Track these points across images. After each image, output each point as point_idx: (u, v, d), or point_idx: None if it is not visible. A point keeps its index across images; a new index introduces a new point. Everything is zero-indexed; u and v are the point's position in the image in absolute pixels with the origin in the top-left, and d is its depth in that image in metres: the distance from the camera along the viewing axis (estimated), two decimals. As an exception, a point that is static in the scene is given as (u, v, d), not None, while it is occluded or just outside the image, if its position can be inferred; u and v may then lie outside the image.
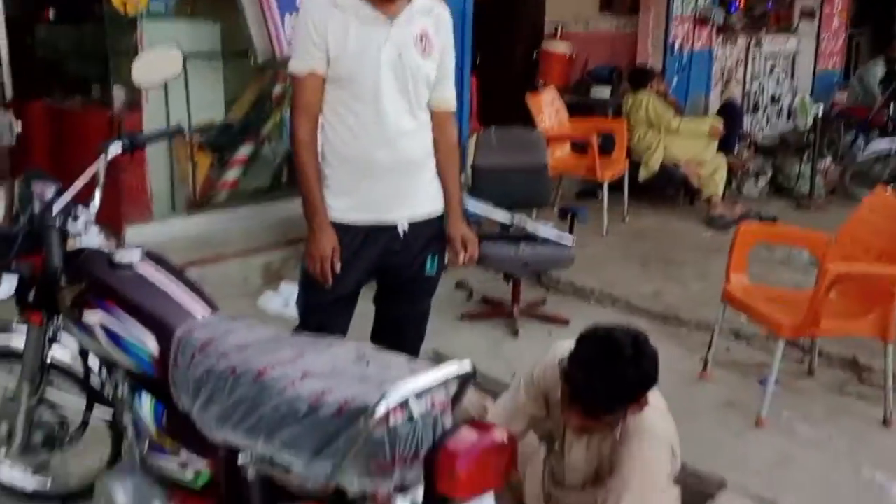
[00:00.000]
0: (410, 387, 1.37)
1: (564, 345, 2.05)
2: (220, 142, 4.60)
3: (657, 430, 1.95)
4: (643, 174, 6.18)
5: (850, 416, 3.35)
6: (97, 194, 2.13)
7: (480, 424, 1.43)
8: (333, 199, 2.52)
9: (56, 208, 1.94)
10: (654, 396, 2.02)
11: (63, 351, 2.25)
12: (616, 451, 1.97)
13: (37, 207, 1.94)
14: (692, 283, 4.69)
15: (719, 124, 6.23)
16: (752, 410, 3.28)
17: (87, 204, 2.08)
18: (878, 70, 8.05)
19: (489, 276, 4.59)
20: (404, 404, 1.39)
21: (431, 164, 2.63)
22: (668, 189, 6.50)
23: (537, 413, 2.10)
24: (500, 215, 4.18)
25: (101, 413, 2.24)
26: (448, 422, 1.45)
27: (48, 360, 2.24)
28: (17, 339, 2.27)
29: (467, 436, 1.38)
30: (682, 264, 5.09)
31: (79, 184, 2.04)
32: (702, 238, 5.69)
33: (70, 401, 2.35)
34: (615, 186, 5.90)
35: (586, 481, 2.12)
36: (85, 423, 2.32)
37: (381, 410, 1.32)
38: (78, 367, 2.22)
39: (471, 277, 4.67)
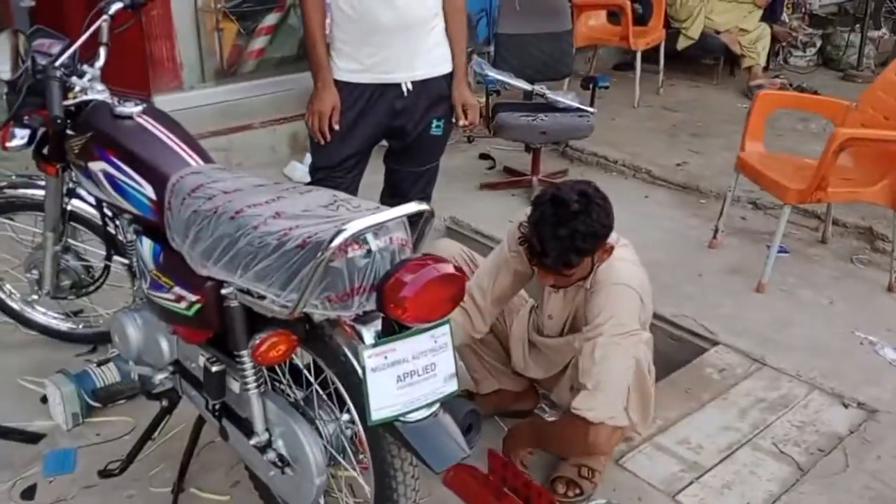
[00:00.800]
0: (364, 222, 1.47)
1: None
2: (245, 10, 4.62)
3: (625, 278, 2.04)
4: (682, 43, 6.01)
5: (855, 282, 3.40)
6: (102, 52, 2.22)
7: (431, 258, 1.53)
8: (340, 59, 2.60)
9: (59, 61, 2.05)
10: (625, 249, 2.10)
11: (81, 202, 2.42)
12: (588, 300, 2.07)
13: (40, 61, 2.05)
14: (719, 155, 4.65)
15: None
16: (757, 276, 3.34)
17: (92, 63, 2.19)
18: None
19: (512, 148, 4.63)
20: (363, 239, 1.50)
21: (437, 25, 2.65)
22: (707, 58, 6.32)
23: (521, 268, 2.19)
24: (521, 84, 4.18)
25: (120, 260, 2.42)
26: (405, 256, 1.56)
27: (68, 210, 2.41)
28: (39, 192, 2.44)
29: (416, 266, 1.49)
30: (712, 136, 5.04)
31: (81, 40, 2.14)
32: (737, 109, 5.58)
33: (92, 249, 2.55)
34: (651, 57, 5.77)
35: (563, 330, 2.25)
36: (107, 269, 2.52)
37: (336, 242, 1.43)
38: (95, 217, 2.38)
39: (495, 148, 4.72)
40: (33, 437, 2.36)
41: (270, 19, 4.73)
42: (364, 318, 1.58)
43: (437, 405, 1.59)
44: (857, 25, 6.69)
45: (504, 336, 2.41)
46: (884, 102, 3.31)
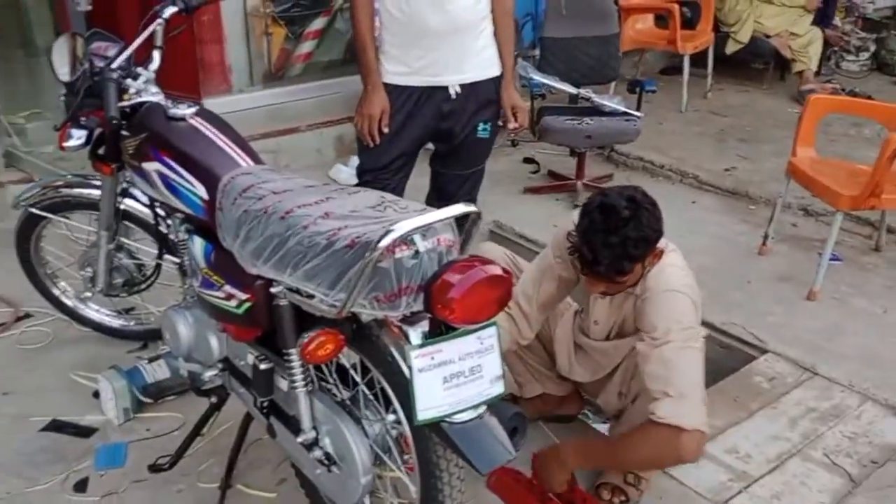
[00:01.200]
0: (414, 223, 1.48)
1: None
2: (293, 15, 4.68)
3: (677, 285, 2.01)
4: (731, 46, 5.92)
5: (909, 292, 3.31)
6: (156, 55, 2.27)
7: (478, 259, 1.53)
8: (388, 62, 2.62)
9: (115, 64, 2.10)
10: (674, 255, 2.06)
11: (134, 202, 2.47)
12: (640, 307, 2.04)
13: (98, 63, 2.11)
14: (768, 160, 4.57)
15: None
16: (808, 284, 3.27)
17: (146, 66, 2.24)
18: None
19: (557, 152, 4.61)
20: (410, 240, 1.50)
21: (486, 29, 2.66)
22: (757, 63, 6.21)
23: (566, 274, 2.17)
24: (566, 87, 4.16)
25: (171, 259, 2.46)
26: (453, 258, 1.57)
27: (121, 209, 2.47)
28: (94, 191, 2.50)
29: (463, 268, 1.49)
30: (761, 141, 4.95)
31: (136, 43, 2.19)
32: (787, 115, 5.48)
33: (144, 248, 2.60)
34: (699, 61, 5.70)
35: (609, 335, 2.22)
36: (158, 267, 2.57)
37: (384, 242, 1.44)
38: (148, 216, 2.43)
39: (539, 152, 4.70)
40: (86, 432, 2.42)
41: (318, 23, 4.79)
42: (411, 319, 1.58)
43: (484, 407, 1.59)
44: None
45: (548, 339, 2.39)
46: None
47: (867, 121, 4.66)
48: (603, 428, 2.54)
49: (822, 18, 6.04)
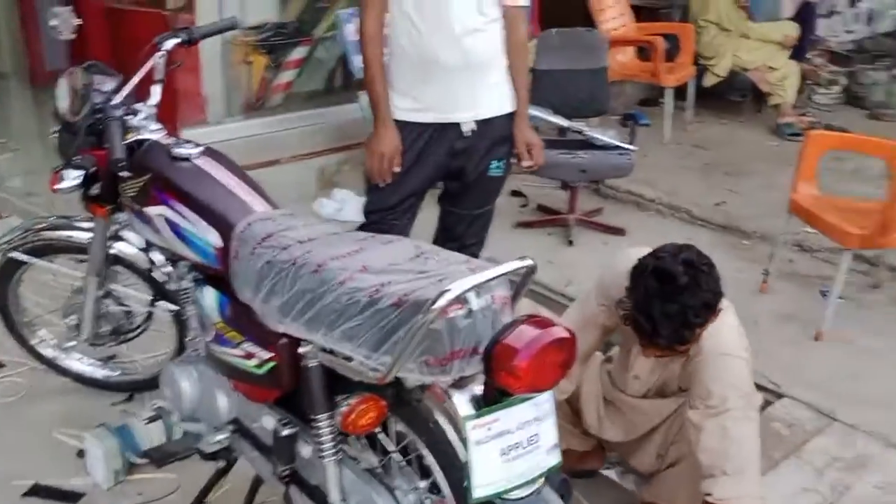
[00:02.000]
0: (470, 281, 1.35)
1: (632, 253, 1.97)
2: (273, 43, 4.54)
3: (733, 347, 1.90)
4: (709, 80, 5.92)
5: (915, 331, 3.27)
6: (156, 89, 2.12)
7: (540, 319, 1.41)
8: (398, 98, 2.49)
9: (117, 99, 1.94)
10: (728, 313, 1.95)
11: (127, 245, 2.29)
12: (693, 369, 1.93)
13: (97, 99, 1.94)
14: (756, 194, 4.55)
15: (794, 32, 5.91)
16: (812, 323, 3.21)
17: (145, 100, 2.08)
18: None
19: (546, 185, 4.53)
20: (463, 298, 1.37)
21: (500, 63, 2.55)
22: (735, 96, 6.25)
23: (609, 322, 2.06)
24: (559, 120, 4.08)
25: (166, 306, 2.29)
26: (508, 317, 1.44)
27: (112, 254, 2.29)
28: (81, 234, 2.32)
29: (528, 330, 1.36)
30: (746, 174, 4.94)
31: (138, 76, 2.03)
32: (768, 147, 5.50)
33: (135, 294, 2.42)
34: (679, 94, 5.70)
35: (648, 392, 2.10)
36: (149, 316, 2.39)
37: (440, 303, 1.31)
38: (142, 261, 2.26)
39: (527, 185, 4.61)
40: (73, 497, 2.21)
41: (299, 52, 4.64)
42: (460, 383, 1.45)
43: (542, 480, 1.46)
44: (878, 62, 6.64)
45: (574, 395, 2.26)
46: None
47: (848, 154, 4.67)
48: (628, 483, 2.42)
49: (799, 52, 6.10)
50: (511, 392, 1.39)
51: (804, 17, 6.55)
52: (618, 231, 4.16)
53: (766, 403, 2.78)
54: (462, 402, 1.43)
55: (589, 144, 4.04)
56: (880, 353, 3.09)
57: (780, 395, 2.81)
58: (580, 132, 4.06)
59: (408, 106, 2.48)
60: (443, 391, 1.47)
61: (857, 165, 4.82)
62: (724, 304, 1.93)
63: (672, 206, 4.43)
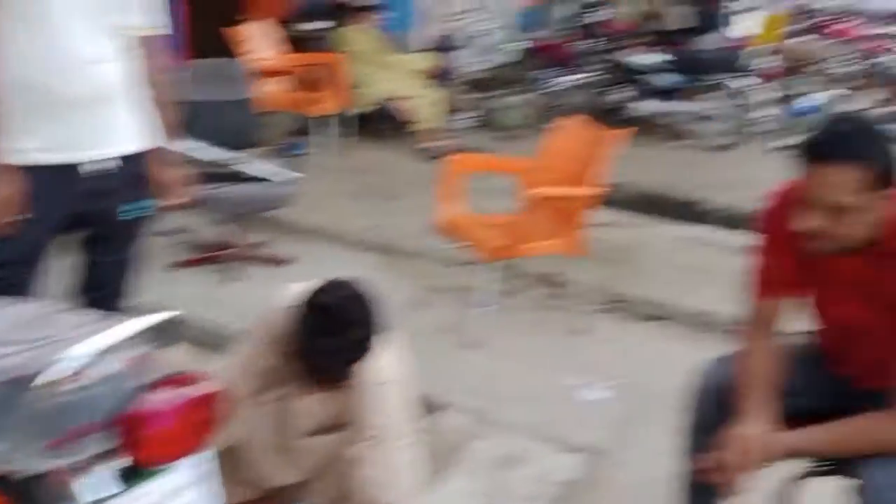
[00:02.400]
0: (87, 347, 1.22)
1: (292, 289, 1.95)
2: None
3: (390, 374, 1.95)
4: (357, 109, 6.18)
5: (548, 328, 3.66)
6: None
7: (179, 377, 1.32)
8: (13, 138, 2.19)
9: None
10: (385, 340, 2.00)
11: None
12: (349, 401, 1.94)
13: None
14: (411, 215, 4.79)
15: (437, 62, 6.37)
16: (466, 332, 3.46)
17: None
18: (566, 7, 8.68)
19: (206, 220, 4.36)
20: (84, 367, 1.24)
21: (131, 96, 2.37)
22: (384, 123, 6.57)
23: (274, 362, 2.00)
24: (213, 154, 3.96)
25: None
26: (142, 380, 1.33)
27: None
28: None
29: (161, 394, 1.27)
30: (401, 197, 5.20)
31: None
32: (418, 170, 5.85)
33: None
34: (337, 122, 5.85)
35: (320, 428, 2.08)
36: None
37: (46, 378, 1.17)
38: None
39: (187, 222, 4.41)
40: None
41: None
42: (94, 462, 1.30)
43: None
44: (510, 88, 7.43)
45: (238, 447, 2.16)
46: (556, 162, 3.66)
47: (489, 174, 5.13)
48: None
49: (443, 78, 6.58)
50: (149, 464, 1.28)
51: (443, 48, 7.13)
52: (284, 262, 4.14)
53: (427, 415, 2.94)
54: (91, 486, 1.29)
55: (247, 177, 3.97)
56: (522, 354, 3.41)
57: (439, 406, 2.97)
58: (233, 165, 3.98)
59: (25, 147, 2.21)
60: (70, 476, 1.31)
61: (497, 183, 5.32)
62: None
63: (335, 232, 4.53)
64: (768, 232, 1.86)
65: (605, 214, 4.84)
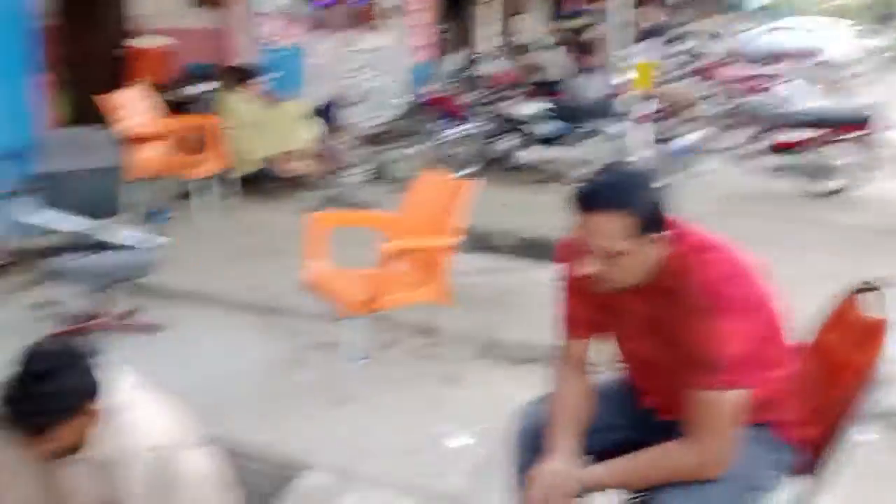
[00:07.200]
0: None
1: None
2: None
3: (144, 441, 1.87)
4: (239, 171, 6.18)
5: (423, 378, 3.66)
6: None
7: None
8: None
9: None
10: (140, 399, 1.95)
11: None
12: (109, 471, 1.88)
13: None
14: (288, 273, 4.72)
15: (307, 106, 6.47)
16: (340, 388, 3.43)
17: None
18: (452, 62, 8.95)
19: (78, 290, 4.24)
20: None
21: None
22: (267, 182, 6.57)
23: None
24: (70, 224, 3.88)
25: None
26: None
27: None
28: None
29: None
30: (280, 255, 5.14)
31: None
32: (299, 227, 5.82)
33: None
34: (218, 184, 5.81)
35: None
36: None
37: None
38: None
39: (55, 294, 4.28)
40: None
41: None
42: None
43: None
44: (402, 141, 7.55)
45: None
46: (417, 213, 3.71)
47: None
48: None
49: (327, 118, 6.66)
50: None
51: (330, 108, 7.22)
52: (154, 328, 4.06)
53: (291, 477, 2.89)
54: None
55: (110, 245, 3.89)
56: (395, 406, 3.40)
57: (304, 467, 2.93)
58: (98, 236, 3.90)
59: None
60: None
61: (373, 236, 5.34)
62: (132, 398, 1.92)
63: (209, 294, 4.46)
64: (565, 276, 1.93)
65: (483, 260, 4.95)
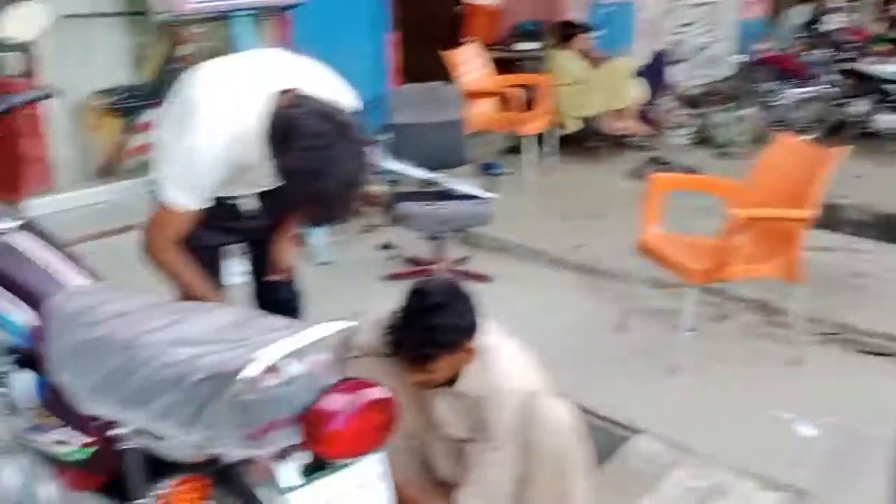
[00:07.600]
0: (281, 348, 1.33)
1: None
2: (127, 106, 4.42)
3: (509, 383, 1.96)
4: (565, 128, 6.18)
5: (760, 358, 3.43)
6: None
7: (358, 381, 1.40)
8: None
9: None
10: (499, 352, 2.01)
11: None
12: (477, 406, 1.98)
13: None
14: (614, 234, 4.68)
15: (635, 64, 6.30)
16: (667, 357, 3.33)
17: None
18: (796, 17, 8.16)
19: (414, 236, 4.55)
20: (276, 366, 1.34)
21: None
22: (594, 141, 6.52)
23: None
24: (418, 173, 4.13)
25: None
26: (327, 382, 1.41)
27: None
28: None
29: (342, 395, 1.35)
30: (603, 217, 5.12)
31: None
32: (623, 189, 5.73)
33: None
34: (541, 141, 5.89)
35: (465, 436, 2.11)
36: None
37: (247, 373, 1.28)
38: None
39: (395, 237, 4.63)
40: None
41: (152, 114, 4.54)
42: (285, 454, 1.41)
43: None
44: (724, 105, 7.10)
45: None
46: (768, 181, 3.43)
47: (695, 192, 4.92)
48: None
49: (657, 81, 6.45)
50: (331, 459, 1.36)
51: (656, 65, 6.96)
52: (484, 278, 4.22)
53: (622, 440, 2.86)
54: (286, 474, 1.39)
55: (450, 195, 4.11)
56: (727, 382, 3.22)
57: (635, 431, 2.88)
58: (439, 184, 4.12)
59: None
60: (266, 464, 1.43)
61: (705, 203, 5.08)
62: (496, 342, 1.99)
63: (535, 250, 4.54)
64: None
65: (830, 238, 4.50)
